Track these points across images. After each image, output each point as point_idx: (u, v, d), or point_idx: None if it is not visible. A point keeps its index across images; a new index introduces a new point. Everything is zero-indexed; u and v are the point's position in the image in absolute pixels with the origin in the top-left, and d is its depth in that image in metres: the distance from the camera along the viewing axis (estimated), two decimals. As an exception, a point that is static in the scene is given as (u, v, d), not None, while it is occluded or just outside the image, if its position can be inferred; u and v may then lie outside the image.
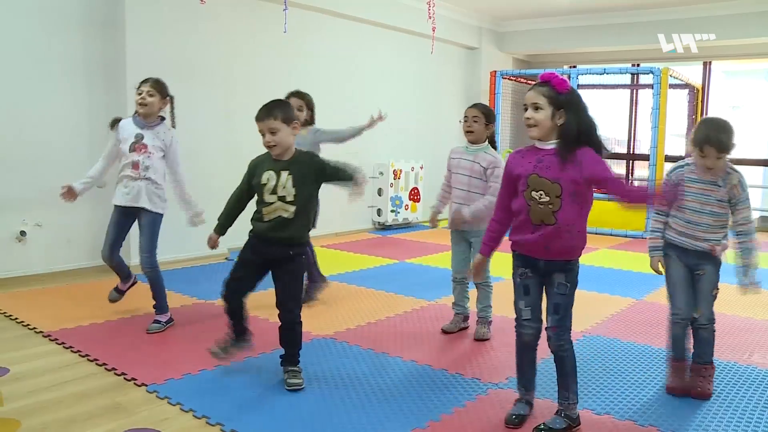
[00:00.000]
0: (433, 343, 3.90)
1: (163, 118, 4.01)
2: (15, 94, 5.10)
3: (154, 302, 4.07)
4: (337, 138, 4.70)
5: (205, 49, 6.14)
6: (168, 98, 4.01)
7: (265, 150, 3.18)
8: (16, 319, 4.20)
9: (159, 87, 3.95)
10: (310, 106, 4.64)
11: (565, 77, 2.61)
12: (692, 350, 3.23)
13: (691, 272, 3.14)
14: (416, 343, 3.88)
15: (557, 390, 2.76)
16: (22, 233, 5.20)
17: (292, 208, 3.08)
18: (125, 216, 4.00)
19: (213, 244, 3.34)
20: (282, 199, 3.08)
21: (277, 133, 3.06)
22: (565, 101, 2.54)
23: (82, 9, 5.45)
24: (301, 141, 4.47)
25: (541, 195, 2.57)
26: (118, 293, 4.25)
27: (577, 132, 2.53)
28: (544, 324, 2.73)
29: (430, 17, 6.67)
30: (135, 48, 5.58)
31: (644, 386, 3.25)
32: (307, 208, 3.17)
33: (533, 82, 9.32)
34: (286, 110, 3.13)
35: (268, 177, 3.11)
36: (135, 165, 3.89)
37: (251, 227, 3.22)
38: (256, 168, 3.19)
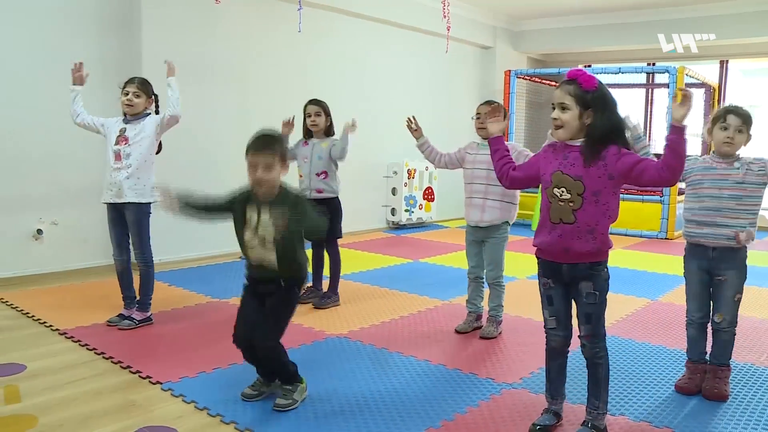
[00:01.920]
0: (446, 342, 3.89)
1: (148, 113, 4.06)
2: (31, 94, 5.14)
3: (138, 297, 4.10)
4: (343, 152, 4.53)
5: (220, 49, 6.17)
6: (153, 97, 4.08)
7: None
8: (33, 316, 4.24)
9: (144, 88, 4.01)
10: (328, 113, 4.65)
11: (592, 74, 2.49)
12: (711, 352, 3.21)
13: (710, 277, 3.09)
14: (430, 342, 3.87)
15: (587, 398, 2.66)
16: (39, 232, 5.25)
17: (273, 255, 2.82)
18: (116, 212, 4.04)
19: (165, 197, 2.89)
20: (262, 241, 2.82)
21: (271, 170, 2.76)
22: (592, 99, 2.43)
23: (98, 9, 5.49)
24: (322, 154, 4.57)
25: (562, 192, 2.48)
26: (120, 318, 4.09)
27: (603, 131, 2.43)
28: (575, 331, 2.65)
29: (444, 16, 6.66)
30: (150, 47, 5.61)
31: (659, 387, 3.22)
32: (291, 250, 2.85)
33: (548, 81, 9.31)
34: (282, 146, 2.88)
35: (250, 214, 2.84)
36: (117, 155, 3.96)
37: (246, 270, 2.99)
38: (237, 202, 2.89)
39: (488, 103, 3.93)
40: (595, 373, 2.62)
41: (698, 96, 9.42)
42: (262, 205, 2.83)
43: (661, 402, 3.05)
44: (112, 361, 3.44)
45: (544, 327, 2.71)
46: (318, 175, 4.57)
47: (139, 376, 3.24)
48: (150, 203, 4.03)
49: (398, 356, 3.60)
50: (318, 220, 2.84)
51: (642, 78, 10.24)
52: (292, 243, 2.85)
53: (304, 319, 4.23)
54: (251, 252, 2.87)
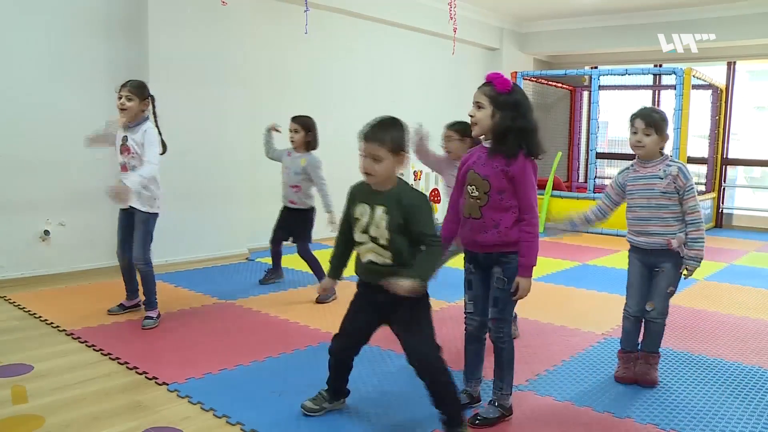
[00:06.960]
0: (452, 344, 3.86)
1: (146, 118, 4.05)
2: (38, 95, 5.16)
3: (145, 298, 4.17)
4: (318, 187, 4.83)
5: (227, 51, 6.18)
6: (148, 99, 4.05)
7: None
8: (40, 317, 4.25)
9: (137, 90, 3.98)
10: (308, 129, 4.86)
11: (509, 77, 2.68)
12: (643, 340, 3.38)
13: (650, 271, 3.27)
14: (435, 344, 3.86)
15: (493, 379, 2.84)
16: (46, 233, 5.27)
17: (387, 254, 2.52)
18: (126, 216, 4.14)
19: (324, 292, 3.17)
20: (374, 240, 2.54)
21: (380, 162, 2.47)
22: (504, 101, 2.60)
23: (105, 11, 5.51)
24: (298, 170, 4.81)
25: (473, 190, 2.69)
26: (120, 308, 4.36)
27: (503, 129, 2.60)
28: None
29: (451, 18, 6.66)
30: (158, 50, 5.62)
31: (665, 389, 3.22)
32: (407, 252, 2.52)
33: (555, 83, 9.30)
34: (396, 136, 2.51)
35: (361, 211, 2.57)
36: (123, 167, 4.02)
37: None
38: (353, 197, 2.65)
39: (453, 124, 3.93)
40: (499, 357, 2.80)
41: (705, 97, 9.40)
42: (376, 200, 2.54)
43: (667, 404, 3.04)
44: (118, 362, 3.45)
45: (464, 311, 2.91)
46: (292, 187, 4.86)
47: (146, 377, 3.25)
48: (155, 213, 4.11)
49: (405, 358, 3.59)
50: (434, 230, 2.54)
51: (649, 80, 10.21)
52: (406, 245, 2.52)
53: (309, 320, 4.23)
54: (362, 252, 2.61)
